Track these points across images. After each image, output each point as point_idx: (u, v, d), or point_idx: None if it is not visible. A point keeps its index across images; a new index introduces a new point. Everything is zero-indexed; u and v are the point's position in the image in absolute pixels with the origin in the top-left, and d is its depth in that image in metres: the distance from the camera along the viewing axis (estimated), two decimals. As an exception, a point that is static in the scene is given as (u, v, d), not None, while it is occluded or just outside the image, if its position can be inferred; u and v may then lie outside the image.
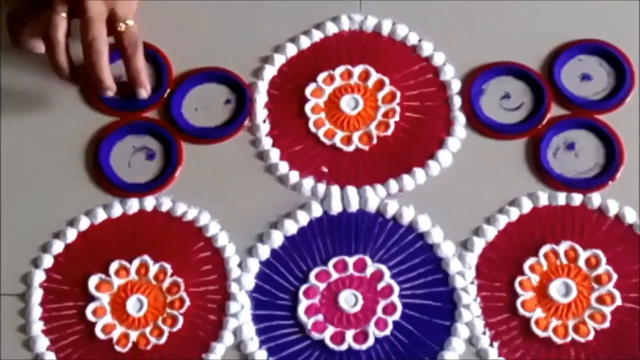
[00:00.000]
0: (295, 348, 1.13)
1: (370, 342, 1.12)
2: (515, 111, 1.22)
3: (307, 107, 1.22)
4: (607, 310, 1.12)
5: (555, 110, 1.21)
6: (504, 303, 1.13)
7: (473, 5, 1.26)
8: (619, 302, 1.12)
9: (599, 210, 1.16)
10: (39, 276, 1.16)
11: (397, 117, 1.21)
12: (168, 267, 1.15)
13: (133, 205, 1.18)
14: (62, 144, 1.22)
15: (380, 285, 1.14)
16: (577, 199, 1.17)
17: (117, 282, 1.15)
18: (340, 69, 1.24)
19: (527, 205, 1.17)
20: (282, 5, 1.27)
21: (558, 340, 1.11)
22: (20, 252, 1.17)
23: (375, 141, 1.20)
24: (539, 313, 1.12)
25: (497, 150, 1.20)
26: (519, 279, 1.14)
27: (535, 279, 1.14)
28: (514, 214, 1.16)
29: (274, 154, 1.20)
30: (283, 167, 1.20)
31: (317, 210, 1.18)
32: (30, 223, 1.18)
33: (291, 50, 1.25)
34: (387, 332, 1.12)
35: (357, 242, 1.16)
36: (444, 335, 1.12)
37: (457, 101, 1.22)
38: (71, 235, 1.17)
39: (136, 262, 1.15)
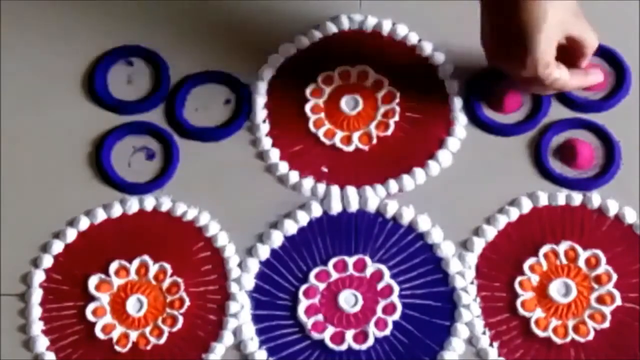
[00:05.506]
0: (295, 348, 1.13)
1: (370, 342, 1.12)
2: (515, 111, 1.22)
3: (307, 107, 1.22)
4: (607, 310, 1.12)
5: (555, 110, 1.21)
6: (504, 303, 1.13)
7: (473, 6, 1.26)
8: (618, 302, 1.12)
9: (598, 210, 1.16)
10: (39, 276, 1.16)
11: (396, 117, 1.21)
12: (168, 267, 1.15)
13: (133, 205, 1.18)
14: (62, 144, 1.22)
15: (380, 285, 1.14)
16: (577, 199, 1.17)
17: (117, 282, 1.15)
18: (340, 69, 1.24)
19: (527, 205, 1.17)
20: (282, 5, 1.27)
21: (558, 340, 1.11)
22: (20, 252, 1.17)
23: (375, 141, 1.20)
24: (538, 313, 1.12)
25: (497, 150, 1.20)
26: (518, 279, 1.14)
27: (535, 279, 1.14)
28: (514, 214, 1.16)
29: (274, 154, 1.20)
30: (283, 167, 1.20)
31: (317, 210, 1.18)
32: (30, 223, 1.18)
33: (291, 50, 1.25)
34: (387, 332, 1.12)
35: (357, 242, 1.16)
36: (444, 335, 1.12)
37: (457, 101, 1.22)
38: (71, 235, 1.17)
39: (136, 262, 1.16)
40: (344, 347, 1.12)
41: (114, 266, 1.15)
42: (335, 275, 1.15)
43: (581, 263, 1.14)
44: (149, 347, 1.13)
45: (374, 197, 1.18)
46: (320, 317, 1.13)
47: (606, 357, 1.11)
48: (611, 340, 1.11)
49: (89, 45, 1.25)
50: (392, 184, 1.18)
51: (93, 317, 1.14)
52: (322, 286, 1.15)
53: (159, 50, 1.25)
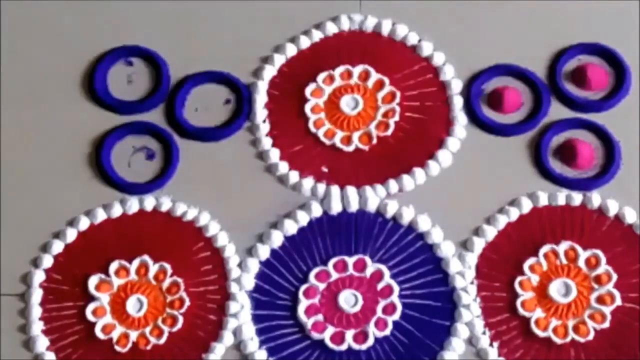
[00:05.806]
0: (295, 348, 1.13)
1: (370, 342, 1.12)
2: (515, 111, 1.22)
3: (307, 107, 1.22)
4: (607, 310, 1.12)
5: (555, 110, 1.21)
6: (504, 303, 1.13)
7: (473, 6, 1.26)
8: (618, 302, 1.12)
9: (599, 210, 1.16)
10: (39, 276, 1.16)
11: (397, 117, 1.21)
12: (168, 267, 1.15)
13: (133, 205, 1.18)
14: (62, 144, 1.22)
15: (380, 285, 1.14)
16: (577, 199, 1.17)
17: (117, 282, 1.15)
18: (340, 69, 1.24)
19: (527, 205, 1.17)
20: (282, 5, 1.27)
21: (558, 340, 1.11)
22: (20, 252, 1.17)
23: (375, 141, 1.20)
24: (539, 313, 1.12)
25: (497, 150, 1.20)
26: (519, 279, 1.14)
27: (535, 279, 1.14)
28: (514, 214, 1.16)
29: (274, 154, 1.20)
30: (283, 167, 1.20)
31: (317, 210, 1.18)
32: (30, 223, 1.18)
33: (291, 50, 1.25)
34: (387, 332, 1.12)
35: (357, 242, 1.16)
36: (444, 335, 1.12)
37: (457, 101, 1.22)
38: (71, 235, 1.17)
39: (136, 262, 1.15)
40: (344, 347, 1.12)
41: (114, 266, 1.15)
42: (335, 275, 1.15)
43: (581, 263, 1.14)
44: (149, 347, 1.13)
45: (374, 197, 1.18)
46: (320, 317, 1.13)
47: (606, 357, 1.11)
48: (611, 340, 1.11)
49: (89, 45, 1.26)
50: (392, 184, 1.18)
51: (93, 317, 1.14)
52: (322, 286, 1.15)
53: (159, 50, 1.25)
